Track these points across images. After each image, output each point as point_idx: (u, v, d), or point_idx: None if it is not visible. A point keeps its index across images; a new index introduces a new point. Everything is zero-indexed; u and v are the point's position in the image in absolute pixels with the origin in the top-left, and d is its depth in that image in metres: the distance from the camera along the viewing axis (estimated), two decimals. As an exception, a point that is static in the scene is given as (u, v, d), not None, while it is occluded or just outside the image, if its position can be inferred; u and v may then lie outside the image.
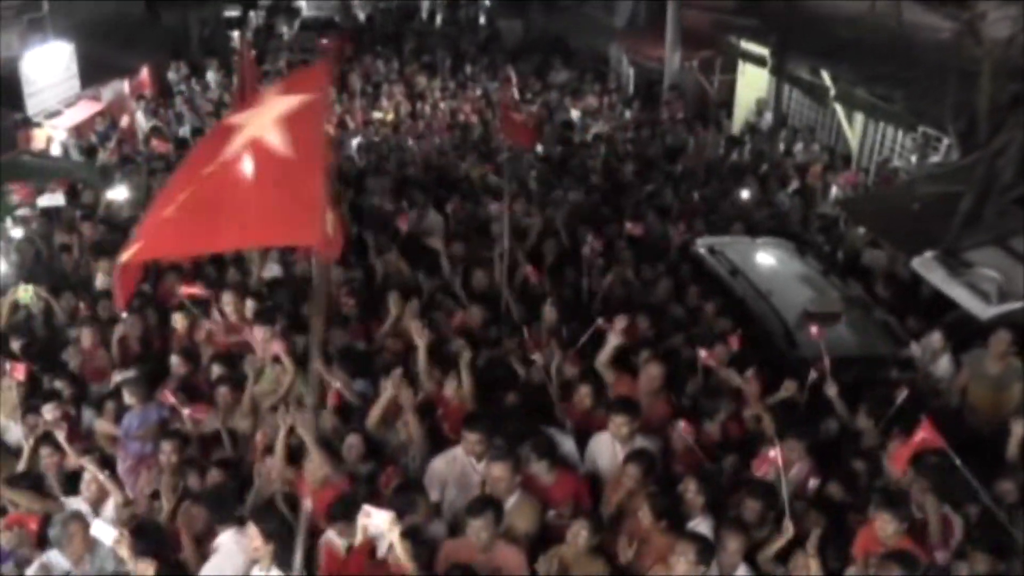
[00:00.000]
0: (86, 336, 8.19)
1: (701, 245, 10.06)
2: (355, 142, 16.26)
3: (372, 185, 12.84)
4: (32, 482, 6.27)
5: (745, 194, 12.28)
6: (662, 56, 19.68)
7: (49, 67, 15.45)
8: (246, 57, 10.24)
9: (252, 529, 5.10)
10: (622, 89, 22.17)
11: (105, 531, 5.10)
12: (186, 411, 6.68)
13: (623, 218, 10.60)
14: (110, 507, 6.04)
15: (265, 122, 3.47)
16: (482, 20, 39.12)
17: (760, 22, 16.61)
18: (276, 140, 3.42)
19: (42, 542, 5.90)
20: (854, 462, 6.20)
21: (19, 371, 7.00)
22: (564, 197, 11.84)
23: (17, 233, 10.51)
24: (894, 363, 7.85)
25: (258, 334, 7.50)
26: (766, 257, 9.78)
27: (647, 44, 20.97)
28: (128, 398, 7.09)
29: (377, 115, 18.74)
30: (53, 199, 11.40)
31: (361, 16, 40.71)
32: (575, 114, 18.65)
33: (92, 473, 6.08)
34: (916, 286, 9.22)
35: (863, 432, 6.59)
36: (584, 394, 6.75)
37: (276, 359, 7.16)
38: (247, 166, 3.42)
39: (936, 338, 7.72)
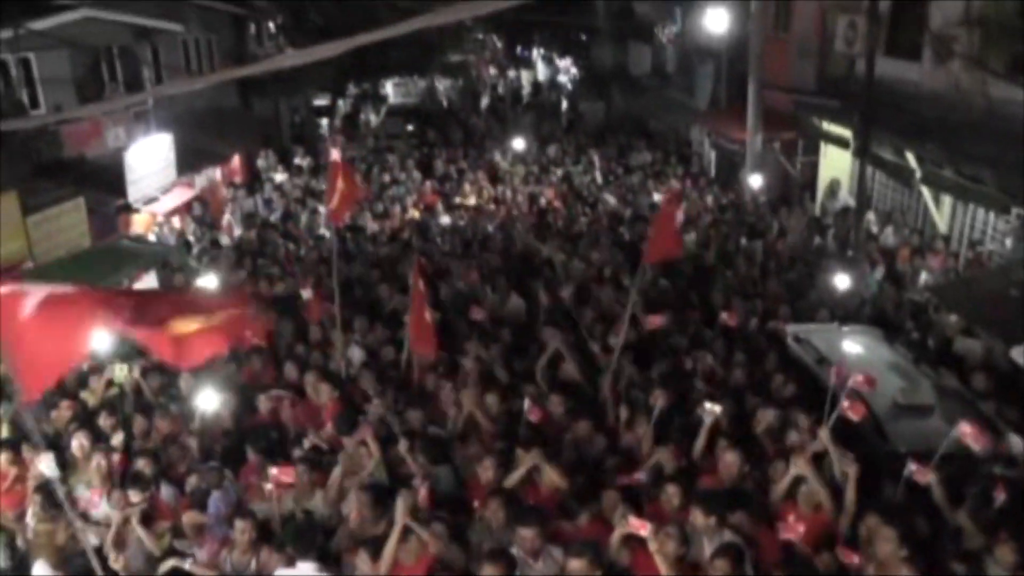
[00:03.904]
0: (163, 423, 8.35)
1: (786, 333, 9.85)
2: (440, 226, 16.51)
3: (455, 270, 13.00)
4: None
5: (830, 280, 12.03)
6: (744, 137, 19.63)
7: (150, 156, 16.15)
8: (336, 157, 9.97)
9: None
10: (704, 172, 22.12)
11: None
12: (273, 470, 6.70)
13: (709, 304, 10.44)
14: None
15: None
16: (564, 104, 39.76)
17: (841, 103, 16.48)
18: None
19: None
20: (955, 564, 5.90)
21: None
22: (651, 283, 11.73)
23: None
24: (996, 459, 7.48)
25: (347, 443, 7.49)
26: (853, 345, 9.49)
27: (729, 125, 20.96)
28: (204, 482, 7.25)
29: (460, 200, 19.05)
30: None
31: (445, 102, 41.81)
32: (657, 197, 18.63)
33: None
34: (1016, 377, 8.86)
35: (963, 531, 6.29)
36: (672, 492, 6.58)
37: (362, 442, 7.21)
38: None
39: (1041, 433, 7.37)
